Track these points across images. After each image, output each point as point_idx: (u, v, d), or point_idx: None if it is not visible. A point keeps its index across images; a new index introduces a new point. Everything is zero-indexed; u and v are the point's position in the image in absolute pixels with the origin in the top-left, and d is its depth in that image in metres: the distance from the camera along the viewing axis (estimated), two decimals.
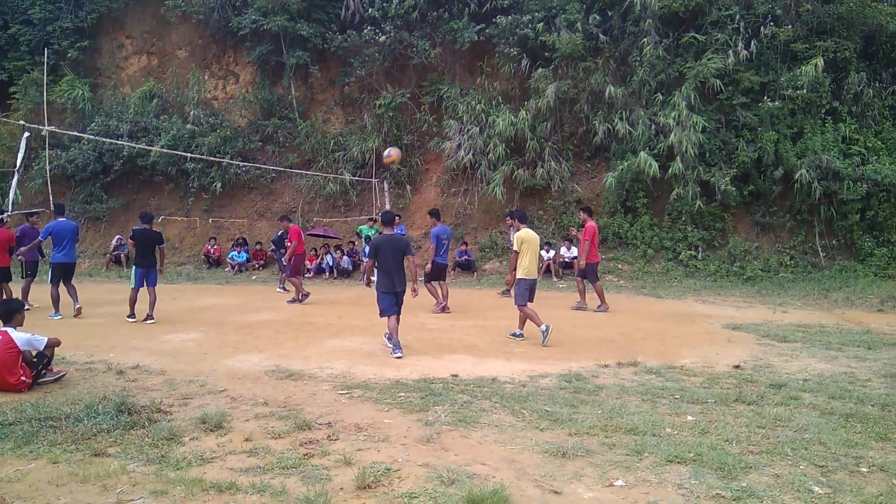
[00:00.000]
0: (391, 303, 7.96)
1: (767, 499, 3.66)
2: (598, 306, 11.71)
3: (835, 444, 4.57)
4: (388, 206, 18.04)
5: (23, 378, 6.02)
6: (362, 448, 4.53)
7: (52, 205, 10.77)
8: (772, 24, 16.84)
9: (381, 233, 8.38)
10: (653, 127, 17.10)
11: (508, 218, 12.95)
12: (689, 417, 5.23)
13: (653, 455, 4.34)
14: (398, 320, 7.99)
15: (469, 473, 4.01)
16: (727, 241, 16.65)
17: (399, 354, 7.56)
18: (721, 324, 10.24)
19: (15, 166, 9.30)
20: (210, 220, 19.93)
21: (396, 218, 16.21)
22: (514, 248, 8.97)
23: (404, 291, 8.11)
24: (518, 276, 8.83)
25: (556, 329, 8.68)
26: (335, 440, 4.72)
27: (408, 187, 19.60)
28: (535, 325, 8.64)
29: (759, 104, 16.62)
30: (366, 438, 4.75)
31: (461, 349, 8.22)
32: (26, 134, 7.90)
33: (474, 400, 5.73)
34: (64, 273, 10.87)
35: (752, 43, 16.70)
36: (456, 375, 6.67)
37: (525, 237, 8.86)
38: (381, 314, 8.01)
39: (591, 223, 12.14)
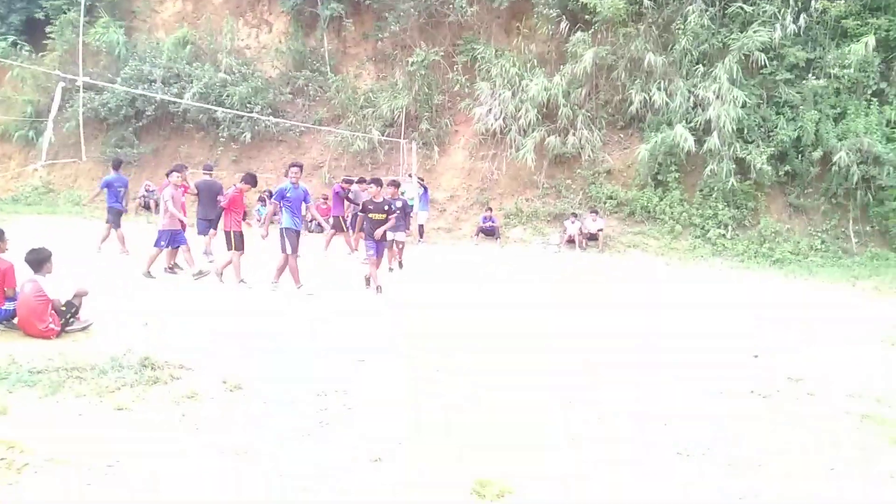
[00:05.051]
0: None
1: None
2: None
3: (848, 448, 4.52)
4: (415, 167, 17.93)
5: (51, 326, 6.19)
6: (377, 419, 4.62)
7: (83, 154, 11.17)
8: None
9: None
10: (691, 99, 16.63)
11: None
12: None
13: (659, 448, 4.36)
14: None
15: None
16: (758, 221, 16.27)
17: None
18: (744, 308, 10.10)
19: (49, 115, 9.38)
20: (237, 175, 19.87)
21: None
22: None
23: None
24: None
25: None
26: (350, 409, 4.81)
27: (435, 149, 19.43)
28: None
29: (804, 81, 16.02)
30: (383, 411, 4.83)
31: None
32: (61, 83, 7.92)
33: None
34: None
35: (802, 17, 16.01)
36: None
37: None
38: None
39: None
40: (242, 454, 3.93)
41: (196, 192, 11.45)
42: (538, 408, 5.08)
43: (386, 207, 9.67)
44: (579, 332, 7.97)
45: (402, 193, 17.18)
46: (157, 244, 10.20)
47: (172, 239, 10.21)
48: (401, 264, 12.28)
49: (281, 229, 9.41)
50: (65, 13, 22.55)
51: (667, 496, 3.72)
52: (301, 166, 9.97)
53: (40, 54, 22.84)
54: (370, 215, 9.65)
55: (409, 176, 17.11)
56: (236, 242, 9.85)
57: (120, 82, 20.48)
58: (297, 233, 9.49)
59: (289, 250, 9.37)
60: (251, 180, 10.28)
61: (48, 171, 21.93)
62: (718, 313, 9.61)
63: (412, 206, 16.91)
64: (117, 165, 12.92)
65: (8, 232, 6.83)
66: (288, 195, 9.43)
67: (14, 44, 22.90)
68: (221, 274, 9.91)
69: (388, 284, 9.98)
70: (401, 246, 12.35)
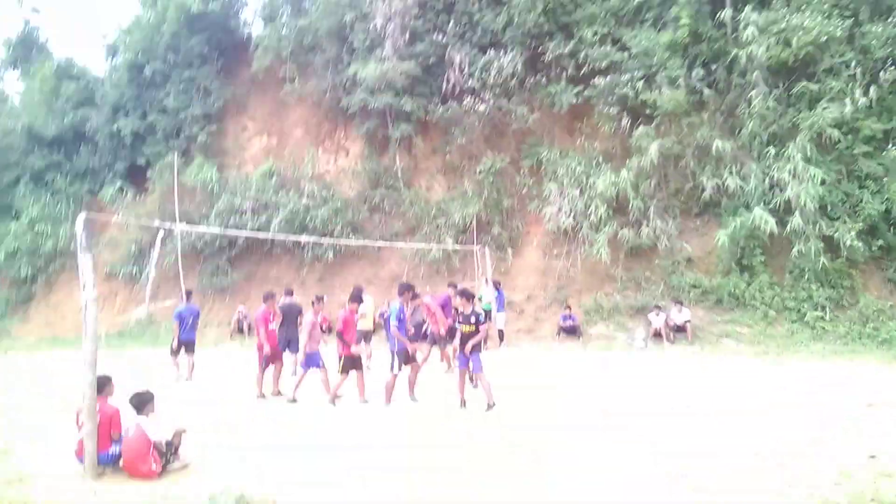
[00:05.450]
0: None
1: None
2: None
3: None
4: (490, 271, 18.15)
5: (153, 467, 6.51)
6: None
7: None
8: (892, 67, 15.78)
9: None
10: (766, 181, 16.31)
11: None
12: None
13: None
14: None
15: None
16: (857, 300, 15.35)
17: None
18: (853, 398, 9.39)
19: (150, 262, 10.32)
20: (326, 296, 20.47)
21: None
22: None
23: None
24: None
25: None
26: None
27: (509, 251, 19.70)
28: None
29: (884, 153, 15.50)
30: None
31: None
32: (161, 234, 8.79)
33: None
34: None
35: (871, 89, 15.70)
36: None
37: None
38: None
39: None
40: None
41: (281, 316, 12.02)
42: None
43: (473, 319, 9.60)
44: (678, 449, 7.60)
45: (480, 299, 17.43)
46: (308, 366, 10.63)
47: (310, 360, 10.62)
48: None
49: (394, 351, 9.70)
50: (163, 158, 24.90)
51: None
52: (413, 288, 10.55)
53: (142, 196, 25.14)
54: (461, 327, 9.69)
55: (486, 281, 17.31)
56: (350, 365, 10.06)
57: (214, 216, 22.17)
58: (406, 350, 9.84)
59: (396, 370, 9.71)
60: (359, 297, 10.65)
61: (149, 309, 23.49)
62: (828, 408, 8.95)
63: (489, 310, 17.04)
64: (188, 296, 13.90)
65: (113, 367, 7.36)
66: (401, 317, 9.79)
67: (121, 188, 25.36)
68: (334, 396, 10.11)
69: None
70: None
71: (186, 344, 12.96)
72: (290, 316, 12.19)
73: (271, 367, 11.37)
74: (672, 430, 7.97)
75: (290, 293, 13.70)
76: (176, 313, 13.34)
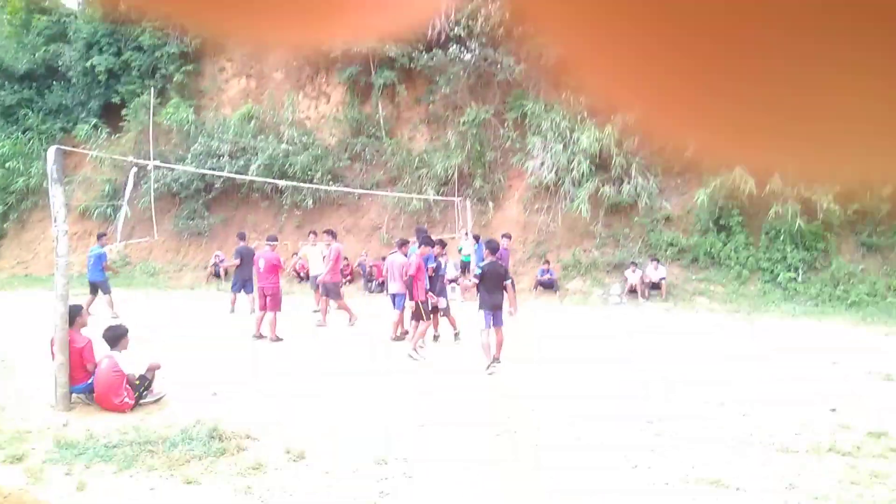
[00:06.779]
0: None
1: None
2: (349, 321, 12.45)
3: None
4: (470, 224, 18.11)
5: (126, 399, 6.49)
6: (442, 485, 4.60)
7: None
8: None
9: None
10: None
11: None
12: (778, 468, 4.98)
13: None
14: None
15: None
16: (830, 263, 15.64)
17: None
18: (820, 356, 9.62)
19: (124, 198, 10.09)
20: (300, 242, 20.50)
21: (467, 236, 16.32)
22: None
23: None
24: None
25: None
26: (411, 478, 4.82)
27: (490, 204, 19.64)
28: None
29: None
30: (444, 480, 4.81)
31: None
32: (134, 169, 8.58)
33: None
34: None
35: None
36: None
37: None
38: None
39: (337, 245, 12.71)
40: None
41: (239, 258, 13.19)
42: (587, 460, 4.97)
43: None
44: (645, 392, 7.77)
45: (459, 250, 17.42)
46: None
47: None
48: (435, 337, 10.99)
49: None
50: (138, 97, 24.19)
51: None
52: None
53: (117, 135, 24.50)
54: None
55: (466, 234, 17.28)
56: (427, 312, 9.87)
57: (190, 158, 21.74)
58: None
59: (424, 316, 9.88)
60: (429, 241, 10.54)
61: (125, 244, 23.14)
62: (794, 364, 9.19)
63: (468, 262, 17.03)
64: (98, 237, 14.06)
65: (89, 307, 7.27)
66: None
67: (95, 126, 24.65)
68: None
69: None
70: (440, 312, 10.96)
71: (90, 284, 13.22)
72: (247, 258, 12.83)
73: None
74: (634, 377, 8.14)
75: (243, 237, 14.18)
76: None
